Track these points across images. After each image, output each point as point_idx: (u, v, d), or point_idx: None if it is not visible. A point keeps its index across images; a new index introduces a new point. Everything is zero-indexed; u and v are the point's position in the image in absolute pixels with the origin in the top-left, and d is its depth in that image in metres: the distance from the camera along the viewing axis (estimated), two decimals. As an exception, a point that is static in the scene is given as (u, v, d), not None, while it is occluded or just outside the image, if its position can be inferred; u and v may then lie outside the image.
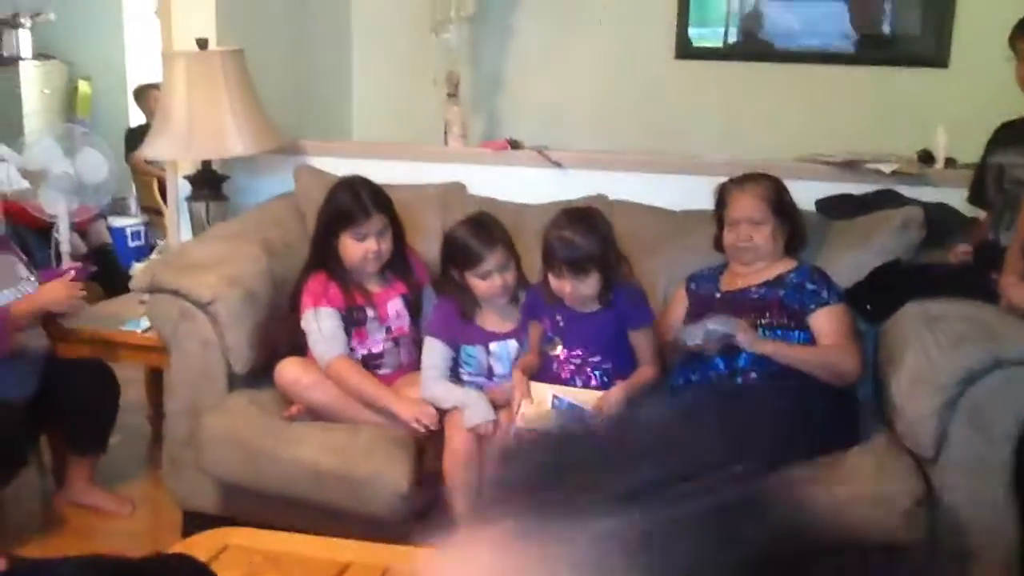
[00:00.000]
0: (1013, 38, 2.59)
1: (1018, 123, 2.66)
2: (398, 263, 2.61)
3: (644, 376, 2.39)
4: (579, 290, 2.34)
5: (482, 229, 2.48)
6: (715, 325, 2.35)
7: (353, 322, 2.54)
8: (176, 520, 2.65)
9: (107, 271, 4.52)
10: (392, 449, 2.35)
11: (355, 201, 2.54)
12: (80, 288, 2.71)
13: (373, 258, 2.54)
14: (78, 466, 2.84)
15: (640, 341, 2.42)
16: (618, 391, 2.29)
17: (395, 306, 2.60)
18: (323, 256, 2.56)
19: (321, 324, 2.48)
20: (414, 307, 2.62)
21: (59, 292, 2.66)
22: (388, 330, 2.59)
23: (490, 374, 2.52)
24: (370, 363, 2.56)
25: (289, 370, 2.47)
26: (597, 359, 2.38)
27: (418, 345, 2.59)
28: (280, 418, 2.44)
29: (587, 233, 2.32)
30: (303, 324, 2.51)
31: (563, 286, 2.34)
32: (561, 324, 2.40)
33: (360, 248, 2.52)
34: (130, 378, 3.26)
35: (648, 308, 2.48)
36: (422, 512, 2.32)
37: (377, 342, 2.57)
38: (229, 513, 2.46)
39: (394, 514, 2.29)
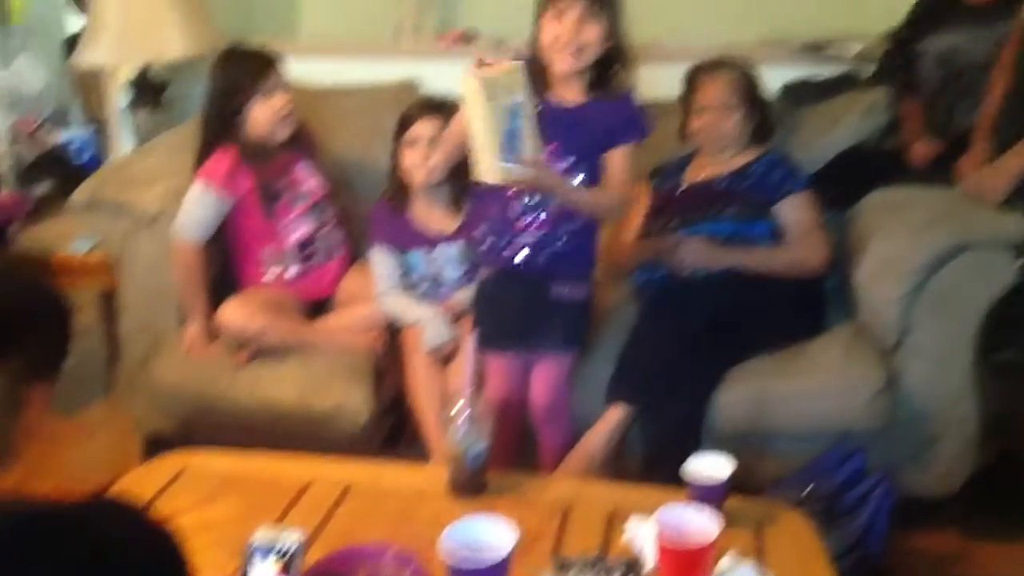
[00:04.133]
0: None
1: (944, 2, 2.57)
2: (298, 132, 2.48)
3: (598, 196, 2.00)
4: (580, 35, 1.89)
5: (432, 102, 2.40)
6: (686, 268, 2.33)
7: (273, 196, 2.42)
8: (136, 443, 2.60)
9: (64, 175, 4.37)
10: (350, 379, 2.28)
11: (249, 59, 2.40)
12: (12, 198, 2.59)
13: (285, 115, 2.39)
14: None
15: (615, 161, 2.00)
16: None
17: (302, 168, 2.50)
18: (220, 133, 2.37)
19: (196, 203, 2.34)
20: (323, 174, 2.53)
21: None
22: (305, 196, 2.48)
23: (438, 280, 2.42)
24: (303, 251, 2.47)
25: (233, 318, 2.31)
26: (570, 162, 1.99)
27: (343, 225, 2.53)
28: (234, 364, 2.34)
29: None
30: (189, 192, 2.37)
31: (560, 24, 1.89)
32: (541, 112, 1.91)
33: (270, 108, 2.36)
34: (83, 297, 3.17)
35: (641, 121, 2.03)
36: (388, 436, 2.29)
37: (299, 217, 2.45)
38: (189, 434, 2.43)
39: (358, 443, 2.26)
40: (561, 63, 1.92)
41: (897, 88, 2.60)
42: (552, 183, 1.91)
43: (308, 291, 2.48)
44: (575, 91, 1.98)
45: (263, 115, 2.37)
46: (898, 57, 2.63)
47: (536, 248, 2.04)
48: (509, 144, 1.78)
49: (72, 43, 5.09)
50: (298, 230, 2.47)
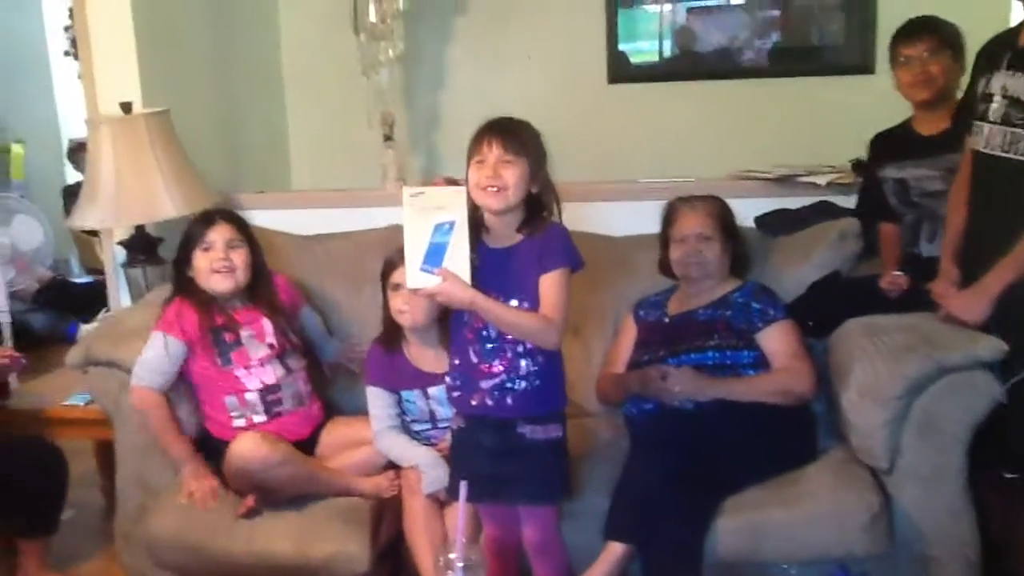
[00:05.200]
0: (892, 46, 2.62)
1: (899, 135, 2.69)
2: (262, 291, 2.54)
3: (520, 315, 2.00)
4: (500, 175, 1.96)
5: None
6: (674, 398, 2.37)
7: (227, 345, 2.45)
8: (134, 596, 2.58)
9: (65, 299, 4.55)
10: (347, 526, 2.27)
11: (200, 217, 2.54)
12: (8, 356, 2.64)
13: (222, 270, 2.44)
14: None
15: (543, 286, 2.00)
16: None
17: (266, 325, 2.51)
18: (178, 283, 2.50)
19: (149, 349, 2.40)
20: (290, 329, 2.55)
21: None
22: (271, 346, 2.49)
23: (433, 420, 2.44)
24: (268, 398, 2.46)
25: (254, 449, 2.29)
26: (514, 304, 2.02)
27: (312, 373, 2.56)
28: (232, 516, 2.32)
29: (525, 125, 2.06)
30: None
31: (482, 169, 1.98)
32: (476, 262, 1.99)
33: (206, 258, 2.45)
34: (81, 448, 3.18)
35: (567, 250, 2.04)
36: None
37: (264, 366, 2.46)
38: (187, 585, 2.41)
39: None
40: (486, 203, 2.01)
41: (874, 212, 2.70)
42: (463, 296, 1.95)
43: (281, 435, 2.44)
44: (508, 234, 2.05)
45: (200, 266, 2.47)
46: (868, 183, 2.74)
47: (499, 391, 2.04)
48: (432, 256, 1.93)
49: (67, 196, 5.28)
50: (260, 379, 2.47)
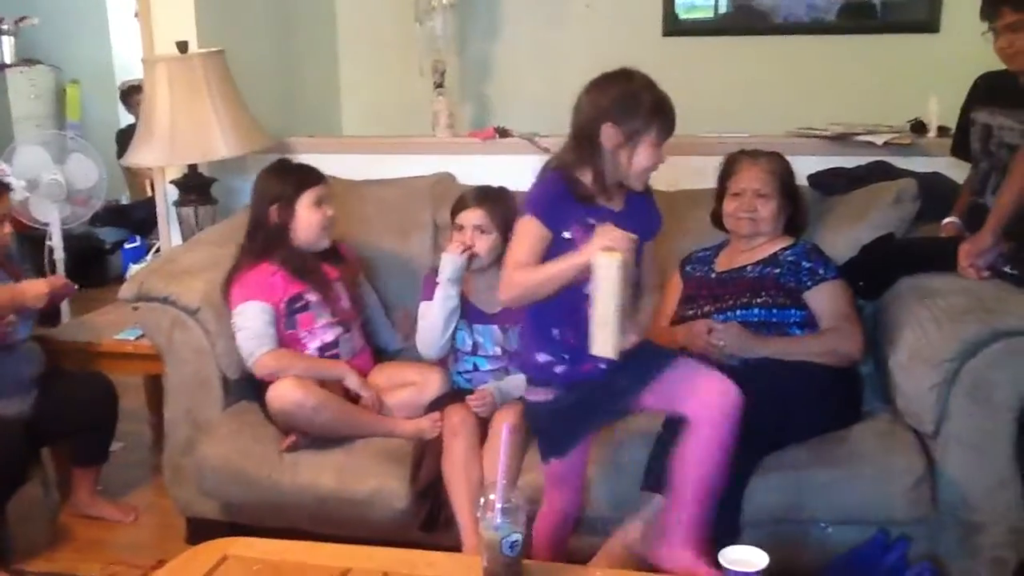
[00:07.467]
0: (989, 13, 2.50)
1: (1001, 78, 2.58)
2: (332, 250, 2.60)
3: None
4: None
5: (487, 192, 2.54)
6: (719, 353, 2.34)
7: (297, 309, 2.48)
8: (181, 526, 2.65)
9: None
10: (389, 464, 2.33)
11: (303, 168, 2.56)
12: (62, 283, 2.69)
13: (329, 226, 2.52)
14: (81, 477, 2.84)
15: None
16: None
17: (337, 287, 2.57)
18: (268, 242, 2.48)
19: (250, 322, 2.40)
20: (352, 295, 2.61)
21: (40, 288, 2.59)
22: (334, 313, 2.52)
23: (475, 350, 2.52)
24: (325, 354, 2.51)
25: (289, 393, 2.34)
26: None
27: (365, 327, 2.65)
28: (278, 450, 2.37)
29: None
30: (234, 319, 2.43)
31: (657, 153, 1.88)
32: (595, 226, 1.84)
33: (319, 214, 2.50)
34: (130, 383, 3.26)
35: (660, 214, 2.05)
36: (425, 520, 2.30)
37: (326, 328, 2.50)
38: (233, 519, 2.47)
39: (396, 527, 2.29)
40: (639, 185, 1.93)
41: (958, 153, 2.67)
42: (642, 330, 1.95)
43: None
44: (621, 195, 1.96)
45: (312, 218, 2.49)
46: (960, 125, 2.67)
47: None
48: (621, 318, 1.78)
49: (121, 138, 5.36)
50: (320, 338, 2.51)
